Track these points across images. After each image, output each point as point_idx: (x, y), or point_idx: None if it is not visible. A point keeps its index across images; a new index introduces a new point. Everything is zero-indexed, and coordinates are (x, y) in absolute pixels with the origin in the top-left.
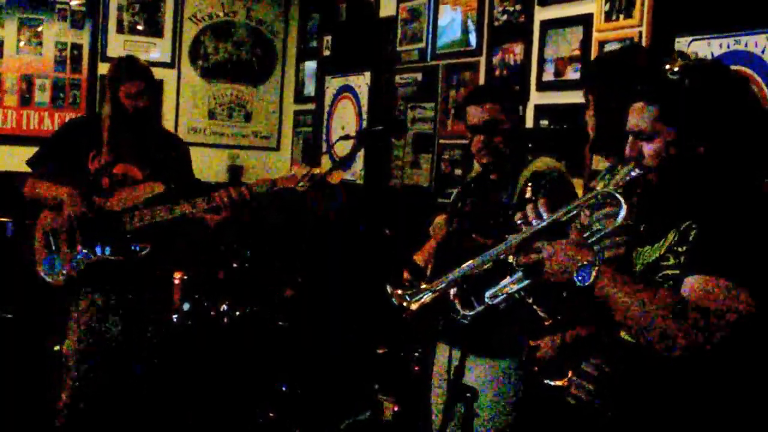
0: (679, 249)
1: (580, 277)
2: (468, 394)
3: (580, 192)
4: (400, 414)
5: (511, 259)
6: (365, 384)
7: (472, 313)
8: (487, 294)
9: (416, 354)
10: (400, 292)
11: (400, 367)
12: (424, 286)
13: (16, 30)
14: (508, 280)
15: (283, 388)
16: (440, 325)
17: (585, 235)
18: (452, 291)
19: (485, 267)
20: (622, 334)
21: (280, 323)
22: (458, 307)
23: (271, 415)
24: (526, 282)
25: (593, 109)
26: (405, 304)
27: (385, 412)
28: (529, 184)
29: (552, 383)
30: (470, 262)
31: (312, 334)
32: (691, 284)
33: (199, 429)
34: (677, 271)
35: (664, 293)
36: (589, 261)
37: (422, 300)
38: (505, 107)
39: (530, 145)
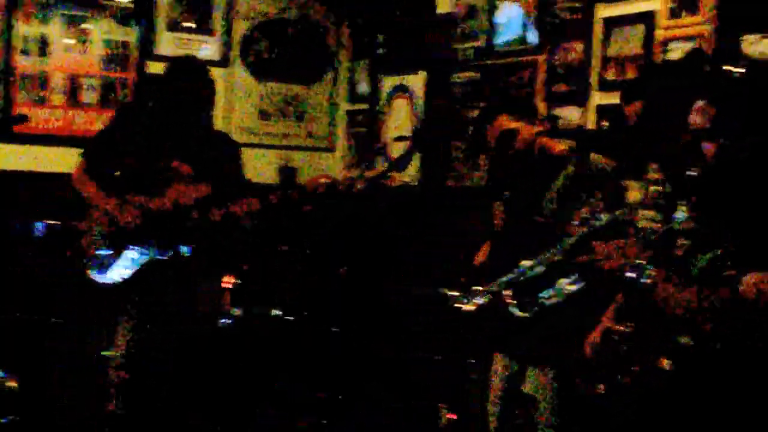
0: (737, 249)
1: (636, 277)
2: (527, 403)
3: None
4: (457, 422)
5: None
6: (422, 391)
7: (527, 314)
8: (543, 295)
9: (473, 362)
10: (456, 294)
11: (457, 376)
12: (480, 288)
13: (62, 28)
14: (564, 280)
15: (338, 397)
16: (498, 334)
17: (641, 236)
18: (507, 293)
19: (540, 268)
20: (681, 339)
21: (335, 330)
22: (513, 308)
23: (323, 422)
24: (582, 282)
25: (639, 114)
26: (461, 305)
27: (442, 420)
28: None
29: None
30: (525, 263)
31: (365, 340)
32: (747, 281)
33: None
34: (734, 272)
35: (722, 292)
36: (646, 261)
37: (478, 301)
38: (513, 117)
39: (583, 145)
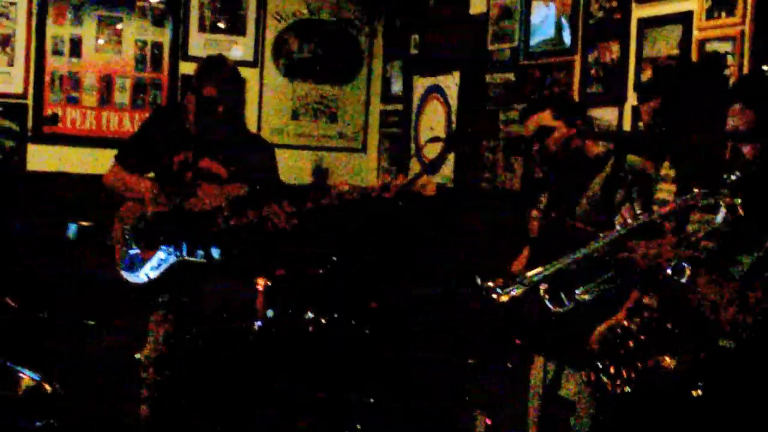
0: None
1: (674, 276)
2: (565, 408)
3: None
4: (492, 428)
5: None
6: (457, 396)
7: (561, 309)
8: (578, 291)
9: (509, 366)
10: (491, 284)
11: (491, 380)
12: (515, 278)
13: (95, 28)
14: (600, 277)
15: (370, 400)
16: (534, 333)
17: (680, 237)
18: (542, 286)
19: (577, 264)
20: (721, 342)
21: (367, 331)
22: (548, 302)
23: (358, 426)
24: (618, 280)
25: (657, 113)
26: (495, 296)
27: (477, 426)
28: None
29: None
30: (562, 258)
31: (399, 345)
32: None
33: None
34: None
35: (760, 294)
36: (684, 260)
37: (512, 293)
38: (554, 115)
39: (621, 146)
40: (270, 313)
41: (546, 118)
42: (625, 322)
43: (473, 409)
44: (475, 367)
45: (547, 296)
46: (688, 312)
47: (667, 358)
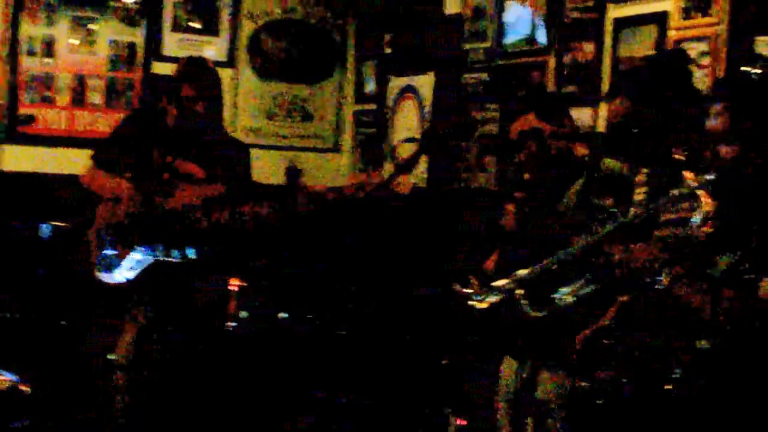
0: (757, 252)
1: (652, 280)
2: (539, 409)
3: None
4: (464, 429)
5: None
6: (429, 397)
7: (539, 314)
8: (556, 295)
9: (483, 367)
10: (468, 291)
11: (464, 381)
12: (492, 284)
13: (68, 28)
14: (578, 281)
15: (343, 401)
16: (508, 335)
17: (658, 239)
18: (519, 292)
19: (554, 268)
20: (699, 343)
21: (341, 332)
22: (526, 307)
23: (333, 428)
24: (596, 284)
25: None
26: (473, 303)
27: (449, 428)
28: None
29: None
30: (539, 263)
31: (372, 345)
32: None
33: None
34: (753, 275)
35: (739, 293)
36: (663, 264)
37: (490, 299)
38: (543, 116)
39: (598, 148)
40: (244, 314)
41: (532, 120)
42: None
43: (446, 410)
44: (450, 367)
45: (524, 302)
46: (667, 312)
47: (646, 354)
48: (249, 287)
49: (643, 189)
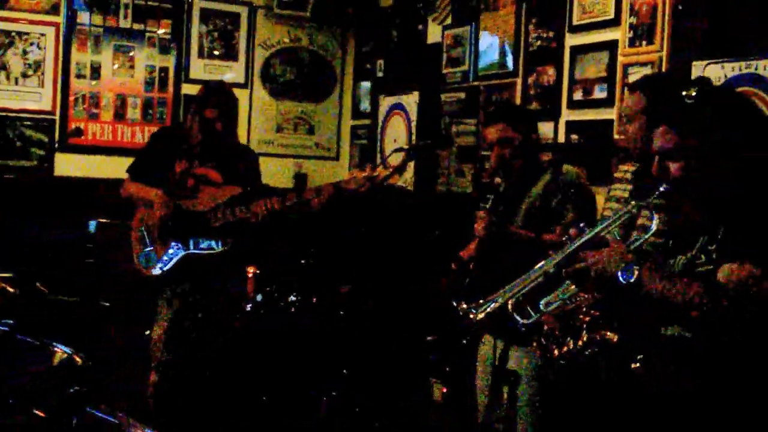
0: (710, 248)
1: (624, 277)
2: (512, 378)
3: (600, 198)
4: (449, 395)
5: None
6: (417, 368)
7: (528, 321)
8: (542, 303)
9: (464, 342)
10: (464, 306)
11: (449, 354)
12: (486, 299)
13: (111, 55)
14: (559, 289)
15: (344, 371)
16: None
17: (625, 243)
18: (510, 302)
19: (538, 280)
20: (663, 330)
21: (342, 312)
22: (516, 316)
23: (333, 394)
24: (575, 289)
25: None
26: (471, 315)
27: (436, 393)
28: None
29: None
30: (523, 276)
31: (367, 324)
32: (725, 269)
33: (266, 405)
34: (710, 266)
35: (698, 282)
36: (631, 262)
37: (487, 311)
38: (514, 126)
39: (558, 156)
40: (259, 297)
41: (504, 128)
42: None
43: (432, 379)
44: (435, 344)
45: (514, 311)
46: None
47: (610, 332)
48: (264, 273)
49: (628, 186)
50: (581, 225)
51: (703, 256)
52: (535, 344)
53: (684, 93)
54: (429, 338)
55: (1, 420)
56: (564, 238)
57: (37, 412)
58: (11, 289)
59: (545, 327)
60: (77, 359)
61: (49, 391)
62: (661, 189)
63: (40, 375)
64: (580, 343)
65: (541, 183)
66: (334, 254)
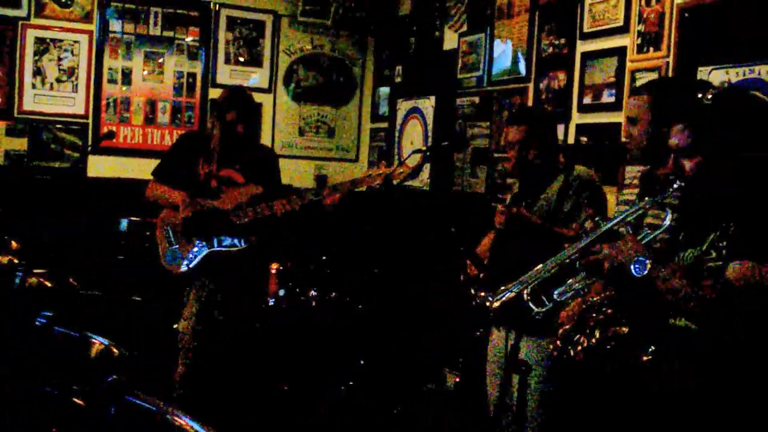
0: (721, 244)
1: (636, 269)
2: (523, 368)
3: (610, 197)
4: (461, 384)
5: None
6: (431, 358)
7: (543, 309)
8: (556, 292)
9: (477, 334)
10: (482, 294)
11: (461, 345)
12: (502, 288)
13: (142, 62)
14: (573, 279)
15: (361, 362)
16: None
17: (638, 237)
18: (525, 292)
19: (553, 271)
20: (672, 321)
21: (360, 306)
22: (531, 305)
23: (351, 383)
24: (589, 280)
25: (647, 124)
26: (488, 303)
27: (448, 382)
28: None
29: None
30: (539, 267)
31: (386, 317)
32: (734, 268)
33: (287, 393)
34: (720, 263)
35: (707, 281)
36: (644, 255)
37: (503, 299)
38: (534, 127)
39: (570, 157)
40: (281, 291)
41: (525, 130)
42: (595, 297)
43: (445, 369)
44: (448, 334)
45: (529, 299)
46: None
47: (623, 328)
48: (285, 269)
49: (635, 190)
50: (596, 219)
51: (713, 252)
52: (551, 346)
53: (700, 95)
54: (442, 332)
55: (42, 410)
56: (580, 231)
57: (76, 401)
58: (48, 284)
59: (560, 330)
60: (114, 350)
61: (87, 381)
62: (675, 186)
63: (79, 365)
64: (593, 340)
65: (555, 185)
66: (352, 252)
